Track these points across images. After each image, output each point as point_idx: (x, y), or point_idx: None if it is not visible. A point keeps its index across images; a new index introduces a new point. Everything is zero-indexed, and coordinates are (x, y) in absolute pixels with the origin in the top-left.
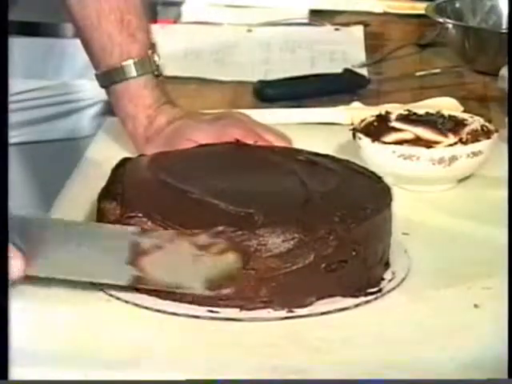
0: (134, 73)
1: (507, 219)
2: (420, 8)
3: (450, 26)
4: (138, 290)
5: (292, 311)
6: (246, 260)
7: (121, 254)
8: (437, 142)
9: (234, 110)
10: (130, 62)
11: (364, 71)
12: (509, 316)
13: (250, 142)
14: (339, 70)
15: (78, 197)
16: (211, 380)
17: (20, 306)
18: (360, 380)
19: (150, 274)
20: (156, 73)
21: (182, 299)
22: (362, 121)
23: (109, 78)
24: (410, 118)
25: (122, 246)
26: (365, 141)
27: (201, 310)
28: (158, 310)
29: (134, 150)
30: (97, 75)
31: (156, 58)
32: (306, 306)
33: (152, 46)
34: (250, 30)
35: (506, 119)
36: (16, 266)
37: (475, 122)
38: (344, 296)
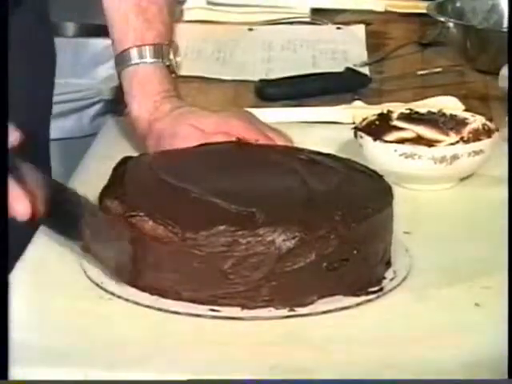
0: (145, 58)
1: (507, 218)
2: (421, 7)
3: (452, 25)
4: (139, 289)
5: (293, 310)
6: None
7: None
8: (438, 141)
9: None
10: (143, 47)
11: (365, 70)
12: (509, 315)
13: (251, 137)
14: (341, 69)
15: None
16: (212, 380)
17: (20, 303)
18: (361, 380)
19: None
20: (168, 63)
21: (184, 298)
22: (364, 120)
23: (122, 60)
24: (411, 117)
25: None
26: (366, 139)
27: (202, 309)
28: (159, 309)
29: (136, 149)
30: (115, 58)
31: (172, 57)
32: (307, 304)
33: (171, 44)
34: (251, 29)
35: (507, 118)
36: (20, 208)
37: (476, 121)
38: (345, 295)
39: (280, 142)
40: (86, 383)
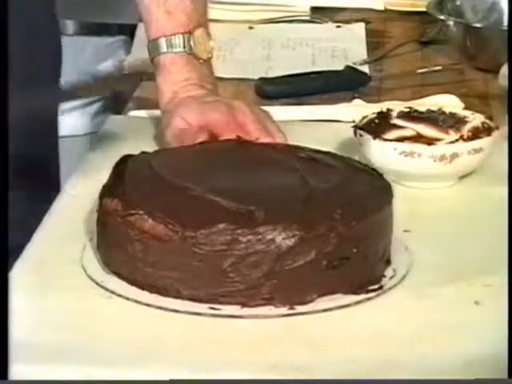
0: (164, 49)
1: (507, 217)
2: (421, 5)
3: (451, 23)
4: (139, 287)
5: (293, 308)
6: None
7: None
8: (438, 139)
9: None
10: (163, 38)
11: (365, 68)
12: (509, 314)
13: (226, 133)
14: (340, 68)
15: (80, 194)
16: (213, 380)
17: (21, 303)
18: (361, 380)
19: None
20: (189, 51)
21: (184, 296)
22: (363, 118)
23: (149, 52)
24: (411, 115)
25: None
26: (366, 138)
27: (202, 307)
28: (160, 307)
29: (136, 148)
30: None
31: (192, 43)
32: (307, 303)
33: (193, 31)
34: (251, 27)
35: (507, 116)
36: None
37: (476, 119)
38: (345, 293)
39: (267, 139)
40: (86, 383)
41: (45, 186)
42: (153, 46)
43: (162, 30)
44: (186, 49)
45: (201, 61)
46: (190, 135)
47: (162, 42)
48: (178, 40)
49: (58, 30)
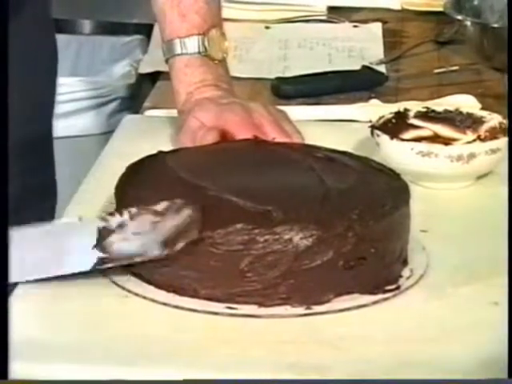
0: (178, 50)
1: (507, 216)
2: (438, 5)
3: (469, 23)
4: (156, 286)
5: (310, 308)
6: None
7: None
8: (455, 139)
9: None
10: (177, 40)
11: (382, 68)
12: (509, 314)
13: (241, 134)
14: (357, 67)
15: (96, 194)
16: (229, 380)
17: (35, 300)
18: (379, 380)
19: (114, 252)
20: (204, 53)
21: (201, 296)
22: (380, 118)
23: (163, 52)
24: (428, 115)
25: (90, 232)
26: (383, 138)
27: (219, 307)
28: (176, 306)
29: (153, 147)
30: None
31: (207, 44)
32: (324, 302)
33: (207, 32)
34: (267, 27)
35: (507, 116)
36: None
37: (493, 120)
38: (362, 293)
39: (282, 139)
40: (88, 383)
41: (44, 187)
42: (167, 47)
43: (177, 32)
44: (201, 50)
45: (215, 61)
46: (201, 135)
47: (177, 43)
48: (193, 42)
49: (53, 28)
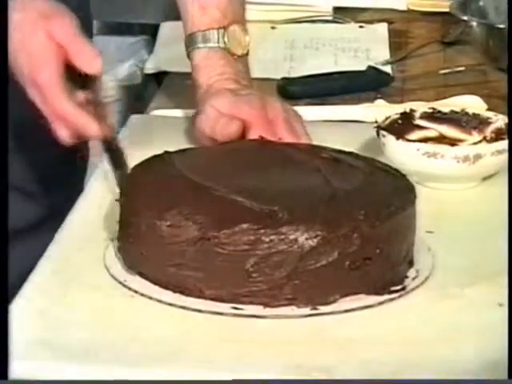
0: (199, 43)
1: (507, 216)
2: (444, 6)
3: (474, 23)
4: (162, 287)
5: (316, 308)
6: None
7: None
8: (461, 140)
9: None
10: (199, 33)
11: (388, 69)
12: (509, 314)
13: (255, 126)
14: (363, 68)
15: (102, 193)
16: (235, 380)
17: (44, 302)
18: (385, 380)
19: None
20: (223, 46)
21: (206, 296)
22: (386, 118)
23: (185, 45)
24: (434, 116)
25: None
26: (389, 138)
27: (224, 307)
28: (182, 307)
29: (158, 147)
30: None
31: (226, 39)
32: (329, 303)
33: (227, 27)
34: (273, 27)
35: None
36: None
37: (499, 120)
38: (368, 294)
39: (291, 139)
40: (92, 383)
41: (42, 188)
42: (189, 40)
43: (198, 26)
44: (220, 44)
45: (235, 57)
46: (222, 124)
47: (198, 36)
48: (213, 35)
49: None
